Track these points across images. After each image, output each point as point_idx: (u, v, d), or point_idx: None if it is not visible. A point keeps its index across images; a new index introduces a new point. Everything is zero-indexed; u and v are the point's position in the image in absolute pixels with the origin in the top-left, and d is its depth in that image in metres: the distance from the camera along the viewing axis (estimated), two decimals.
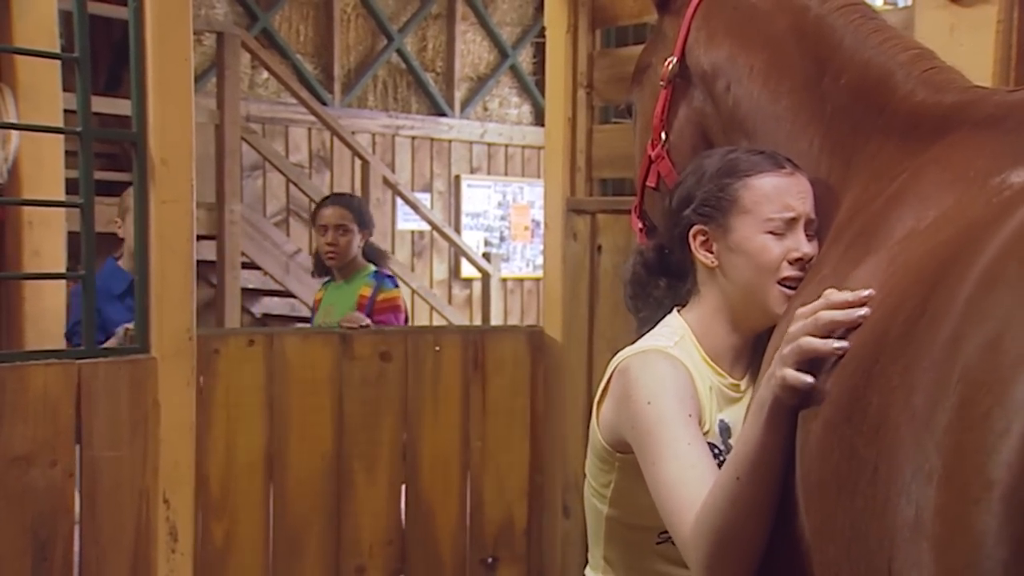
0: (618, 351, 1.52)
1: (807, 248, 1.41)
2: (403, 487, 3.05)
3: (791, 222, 1.41)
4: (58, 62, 3.35)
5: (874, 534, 0.96)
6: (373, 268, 3.65)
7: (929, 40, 1.96)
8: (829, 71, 1.41)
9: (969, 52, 1.89)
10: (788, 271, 1.41)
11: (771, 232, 1.41)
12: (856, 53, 1.39)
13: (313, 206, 7.13)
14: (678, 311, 1.54)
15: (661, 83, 1.66)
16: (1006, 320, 0.82)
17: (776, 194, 1.41)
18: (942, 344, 0.90)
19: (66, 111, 3.49)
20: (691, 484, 1.29)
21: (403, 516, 3.05)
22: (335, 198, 3.87)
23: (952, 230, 1.05)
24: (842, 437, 1.05)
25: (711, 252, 1.47)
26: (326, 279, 3.78)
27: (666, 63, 1.66)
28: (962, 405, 0.83)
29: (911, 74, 1.32)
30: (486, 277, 7.77)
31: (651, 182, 1.72)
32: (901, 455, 0.92)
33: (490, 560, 3.10)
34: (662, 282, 1.57)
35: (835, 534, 1.05)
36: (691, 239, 1.48)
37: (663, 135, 1.67)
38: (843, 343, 1.11)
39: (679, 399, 1.38)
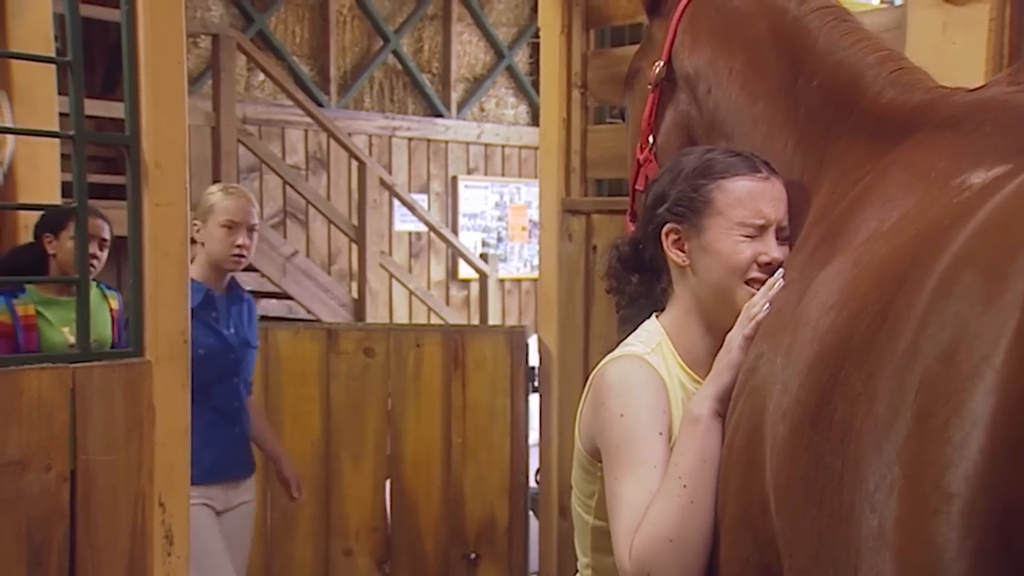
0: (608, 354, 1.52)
1: (776, 252, 1.42)
2: (387, 479, 3.14)
3: (762, 228, 1.42)
4: (53, 66, 3.35)
5: (841, 543, 0.95)
6: None
7: (922, 38, 1.97)
8: (803, 73, 1.42)
9: (962, 50, 1.90)
10: (756, 273, 1.42)
11: (742, 235, 1.42)
12: (829, 55, 1.39)
13: (310, 208, 7.19)
14: (656, 315, 1.54)
15: (649, 86, 1.67)
16: (961, 330, 0.81)
17: (749, 198, 1.41)
18: (902, 353, 0.89)
19: (62, 114, 3.49)
20: (644, 508, 1.31)
21: (388, 507, 3.13)
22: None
23: (913, 232, 1.05)
24: (809, 442, 1.04)
25: (683, 251, 1.47)
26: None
27: (653, 67, 1.66)
28: (921, 416, 0.82)
29: (879, 75, 1.33)
30: (484, 278, 7.77)
31: (640, 185, 1.72)
32: (864, 465, 0.91)
33: (472, 556, 3.12)
34: (635, 277, 1.57)
35: (804, 541, 1.04)
36: (663, 237, 1.48)
37: (651, 138, 1.67)
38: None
39: (651, 414, 1.38)
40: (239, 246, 2.78)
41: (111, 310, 3.28)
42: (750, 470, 1.21)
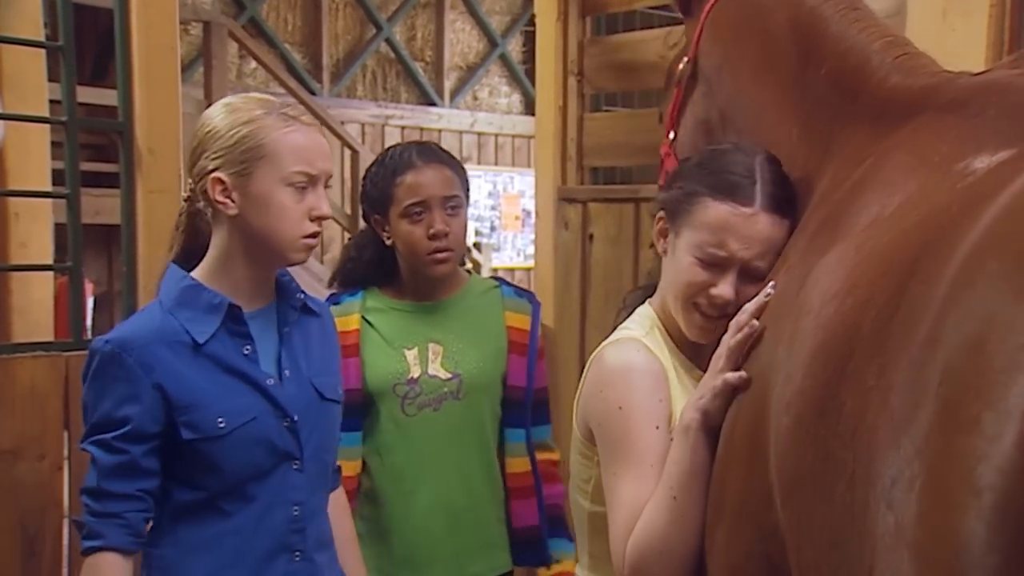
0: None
1: (727, 292, 1.36)
2: None
3: (723, 260, 1.37)
4: (43, 52, 3.32)
5: (854, 540, 0.93)
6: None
7: (922, 25, 1.96)
8: (813, 62, 1.40)
9: (962, 37, 1.89)
10: (703, 301, 1.39)
11: (702, 260, 1.38)
12: (838, 43, 1.37)
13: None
14: (649, 301, 1.53)
15: (676, 84, 1.66)
16: (990, 320, 0.78)
17: (720, 227, 1.36)
18: (920, 344, 0.87)
19: (52, 101, 3.46)
20: (639, 509, 1.33)
21: None
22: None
23: (916, 218, 1.03)
24: (816, 436, 1.02)
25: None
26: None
27: (679, 64, 1.66)
28: (946, 409, 0.80)
29: (885, 61, 1.30)
30: (476, 267, 7.76)
31: (662, 180, 1.71)
32: (880, 460, 0.88)
33: None
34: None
35: (813, 537, 1.02)
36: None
37: (671, 134, 1.67)
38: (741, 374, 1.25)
39: (649, 406, 1.37)
40: (316, 218, 1.54)
41: (508, 328, 2.02)
42: (752, 460, 1.19)
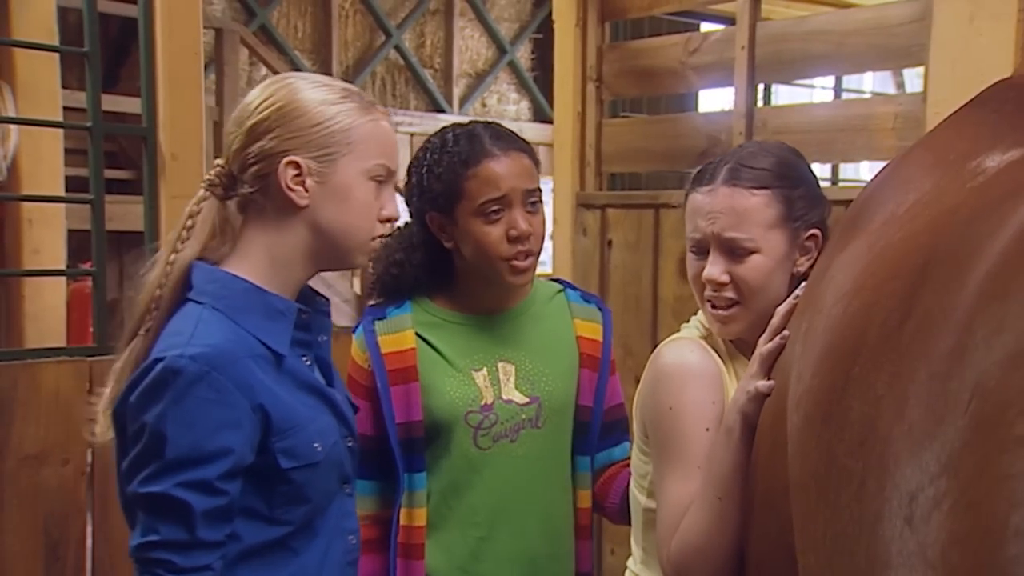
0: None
1: (712, 272, 1.38)
2: None
3: (700, 242, 1.40)
4: (57, 59, 3.33)
5: (862, 553, 0.89)
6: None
7: (948, 30, 1.96)
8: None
9: (988, 42, 1.88)
10: (707, 292, 1.40)
11: (690, 251, 1.42)
12: None
13: None
14: None
15: None
16: None
17: (691, 213, 1.41)
18: (942, 356, 0.83)
19: (64, 108, 3.47)
20: (684, 508, 1.34)
21: None
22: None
23: (926, 218, 1.00)
24: (820, 439, 0.99)
25: None
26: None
27: None
28: (983, 426, 0.75)
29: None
30: None
31: None
32: (898, 474, 0.84)
33: None
34: None
35: (816, 543, 0.99)
36: None
37: None
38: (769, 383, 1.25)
39: (699, 408, 1.37)
40: (386, 219, 1.36)
41: (579, 339, 1.71)
42: (773, 453, 1.18)
